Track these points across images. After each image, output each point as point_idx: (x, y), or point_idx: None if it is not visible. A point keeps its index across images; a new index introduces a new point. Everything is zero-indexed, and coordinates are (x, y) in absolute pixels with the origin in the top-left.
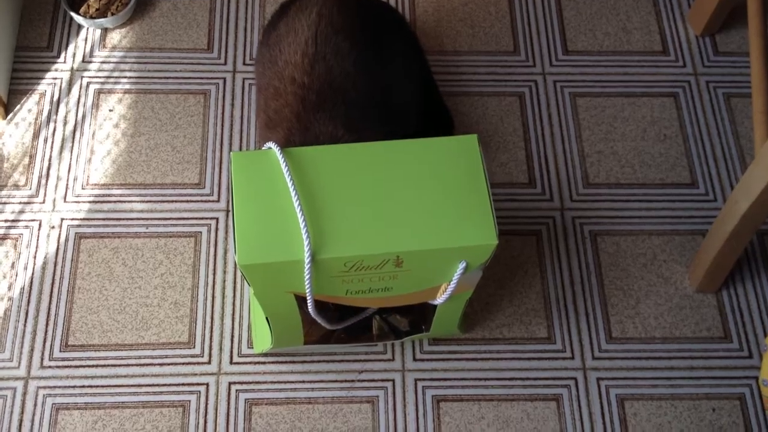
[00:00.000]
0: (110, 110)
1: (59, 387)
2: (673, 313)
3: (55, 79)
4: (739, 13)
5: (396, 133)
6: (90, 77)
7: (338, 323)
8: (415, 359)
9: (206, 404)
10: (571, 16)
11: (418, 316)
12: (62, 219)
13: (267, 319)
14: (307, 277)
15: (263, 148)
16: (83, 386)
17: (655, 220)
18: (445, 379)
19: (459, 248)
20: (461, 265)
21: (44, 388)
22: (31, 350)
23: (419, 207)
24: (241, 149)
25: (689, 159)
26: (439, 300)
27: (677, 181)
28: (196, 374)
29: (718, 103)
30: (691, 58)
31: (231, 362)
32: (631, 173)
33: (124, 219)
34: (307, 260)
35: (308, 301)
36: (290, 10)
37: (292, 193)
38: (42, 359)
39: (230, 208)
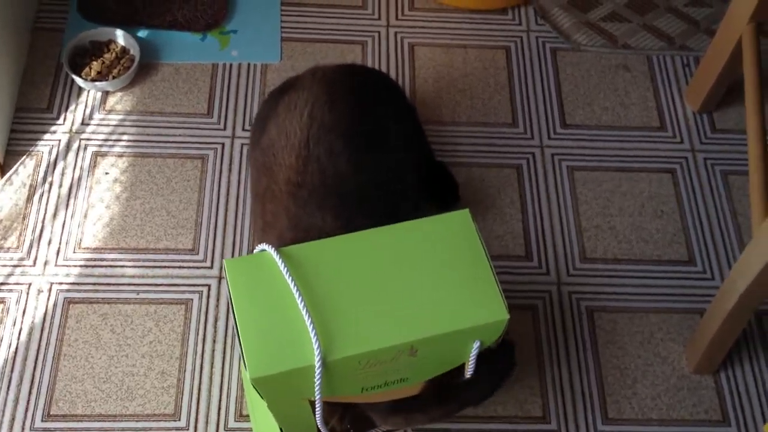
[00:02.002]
0: (106, 173)
1: None
2: (670, 394)
3: (53, 140)
4: (737, 90)
5: (395, 218)
6: (88, 139)
7: None
8: None
9: None
10: (569, 90)
11: None
12: (51, 283)
13: (281, 429)
14: (317, 381)
15: (256, 250)
16: None
17: (653, 297)
18: None
19: (472, 328)
20: (476, 345)
21: None
22: (12, 419)
23: (424, 291)
24: (237, 216)
25: (687, 236)
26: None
27: (675, 258)
28: None
29: (715, 180)
30: (689, 135)
31: None
32: (628, 249)
33: (115, 284)
34: (317, 363)
35: (317, 409)
36: (279, 107)
37: (295, 294)
38: (23, 429)
39: (232, 319)
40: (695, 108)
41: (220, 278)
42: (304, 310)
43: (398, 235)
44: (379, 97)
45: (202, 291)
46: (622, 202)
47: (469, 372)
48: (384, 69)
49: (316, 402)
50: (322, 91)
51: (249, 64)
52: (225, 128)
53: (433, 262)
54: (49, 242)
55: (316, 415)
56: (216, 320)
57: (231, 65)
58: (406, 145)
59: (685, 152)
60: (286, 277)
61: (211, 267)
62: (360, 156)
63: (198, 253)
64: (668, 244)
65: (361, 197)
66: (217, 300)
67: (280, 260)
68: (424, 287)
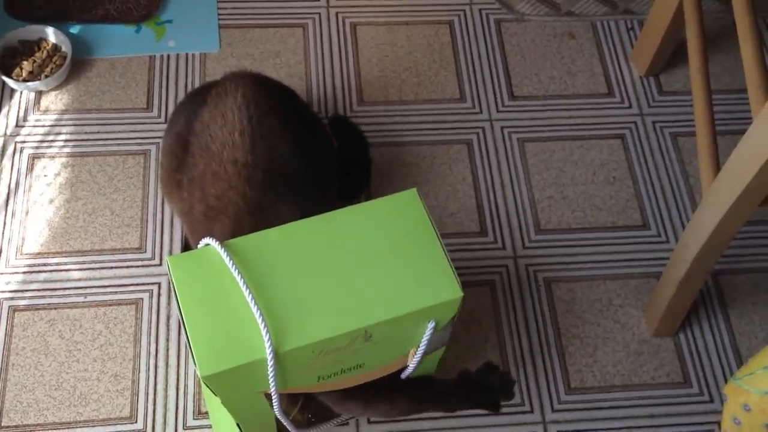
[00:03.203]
0: (44, 175)
1: None
2: (631, 359)
3: None
4: (682, 52)
5: (330, 206)
6: (24, 142)
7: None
8: (369, 422)
9: None
10: (515, 62)
11: None
12: None
13: (238, 425)
14: (271, 374)
15: (200, 244)
16: None
17: (609, 264)
18: None
19: (426, 309)
20: (430, 325)
21: None
22: None
23: (376, 274)
24: None
25: (640, 201)
26: (411, 366)
27: (629, 224)
28: None
29: (665, 142)
30: (637, 99)
31: None
32: (582, 217)
33: (60, 289)
34: (269, 356)
35: (274, 401)
36: (207, 97)
37: (242, 287)
38: None
39: (180, 317)
40: (642, 72)
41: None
42: (253, 302)
43: (345, 220)
44: (295, 96)
45: (152, 289)
46: (574, 171)
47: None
48: (326, 51)
49: (273, 395)
50: (250, 81)
51: (187, 54)
52: (166, 121)
53: (383, 244)
54: None
55: (275, 407)
56: (168, 318)
57: (169, 56)
58: (325, 132)
59: (634, 117)
60: (232, 270)
61: (160, 264)
62: (298, 139)
63: (146, 251)
64: (622, 210)
65: (312, 180)
66: (168, 297)
67: (226, 254)
68: (375, 270)
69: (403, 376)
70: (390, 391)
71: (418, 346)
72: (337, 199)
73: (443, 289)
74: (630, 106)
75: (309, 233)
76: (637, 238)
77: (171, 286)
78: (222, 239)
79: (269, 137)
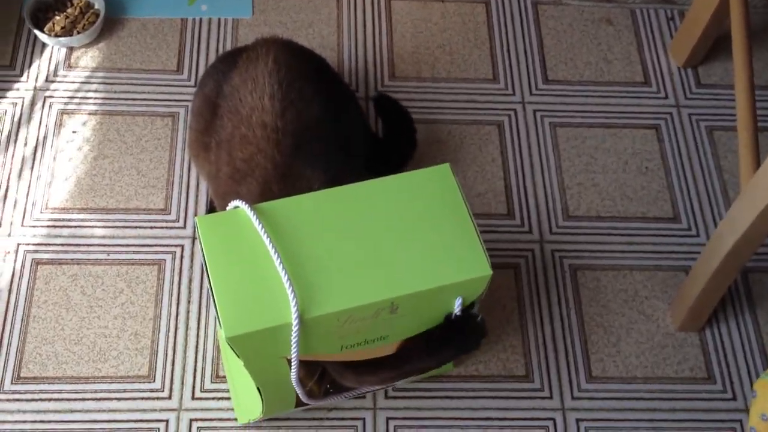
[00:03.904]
0: (73, 132)
1: (8, 422)
2: (654, 352)
3: (17, 98)
4: (722, 44)
5: (359, 177)
6: (53, 97)
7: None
8: (386, 397)
9: None
10: (551, 45)
11: None
12: (18, 244)
13: (258, 388)
14: (294, 339)
15: (229, 207)
16: (35, 421)
17: (637, 255)
18: (418, 419)
19: (454, 284)
20: (458, 302)
21: None
22: None
23: (406, 247)
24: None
25: (671, 192)
26: None
27: (659, 216)
28: (155, 410)
29: (700, 136)
30: (673, 90)
31: (193, 398)
32: (612, 206)
33: (84, 245)
34: (294, 321)
35: (292, 367)
36: (238, 61)
37: (271, 251)
38: None
39: (206, 277)
40: (680, 63)
41: (193, 238)
42: (281, 266)
43: (377, 190)
44: (327, 64)
45: (175, 251)
46: (606, 159)
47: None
48: (360, 23)
49: (292, 361)
50: (282, 46)
51: (219, 20)
52: (196, 85)
53: (414, 216)
54: (15, 203)
55: (292, 374)
56: (190, 281)
57: (201, 20)
58: (356, 103)
59: (669, 108)
60: (261, 233)
61: (184, 227)
62: (329, 107)
63: (170, 213)
64: (652, 201)
65: (341, 147)
66: (191, 260)
67: (255, 217)
68: (405, 243)
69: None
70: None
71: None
72: (367, 171)
73: (473, 265)
74: (666, 97)
75: (340, 201)
76: (667, 230)
77: (199, 246)
78: (249, 202)
79: (299, 103)
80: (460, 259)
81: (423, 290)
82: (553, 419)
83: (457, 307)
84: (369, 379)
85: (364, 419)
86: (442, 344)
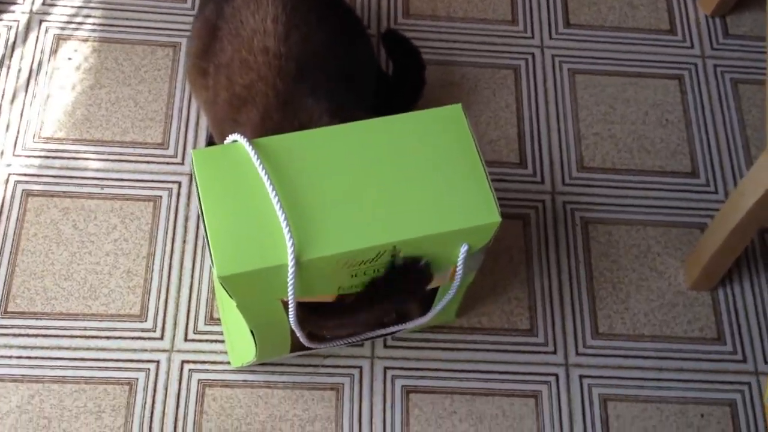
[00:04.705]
0: (69, 58)
1: None
2: (664, 310)
3: (12, 21)
4: None
5: (365, 114)
6: (49, 21)
7: (328, 341)
8: (385, 346)
9: (155, 383)
10: None
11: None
12: (9, 174)
13: (252, 331)
14: (290, 281)
15: (227, 140)
16: (20, 357)
17: (652, 209)
18: (417, 369)
19: (459, 231)
20: (463, 249)
21: None
22: None
23: (411, 189)
24: None
25: (691, 147)
26: (452, 290)
27: (677, 170)
28: (146, 350)
29: (725, 88)
30: (699, 40)
31: (185, 339)
32: (628, 158)
33: (77, 177)
34: (291, 263)
35: (290, 309)
36: None
37: (269, 188)
38: None
39: (200, 213)
40: (708, 11)
41: (191, 176)
42: (278, 205)
43: (384, 129)
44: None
45: (171, 188)
46: (625, 109)
47: (456, 284)
48: None
49: (290, 303)
50: None
51: None
52: None
53: (422, 158)
54: (7, 129)
55: (290, 317)
56: (186, 219)
57: None
58: (365, 34)
59: (694, 58)
60: (259, 169)
61: (182, 163)
62: (336, 35)
63: (168, 148)
64: (671, 155)
65: (347, 81)
66: (188, 198)
67: (254, 152)
68: (411, 185)
69: (434, 308)
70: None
71: (455, 267)
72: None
73: (481, 211)
74: (691, 46)
75: (344, 139)
76: (685, 185)
77: (193, 180)
78: (249, 129)
79: (304, 28)
80: (467, 204)
81: (427, 235)
82: (556, 375)
83: (461, 255)
84: (326, 325)
85: (361, 368)
86: (387, 291)
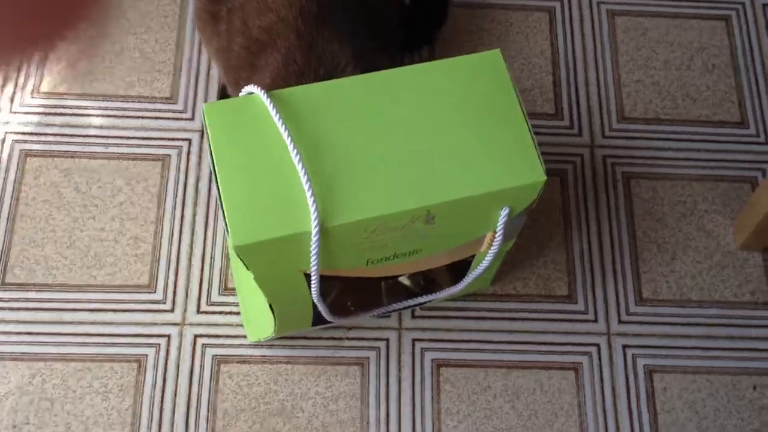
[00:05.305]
0: None
1: None
2: (712, 272)
3: None
4: None
5: (392, 62)
6: None
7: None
8: (413, 316)
9: (166, 359)
10: None
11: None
12: (6, 133)
13: (270, 305)
14: (314, 251)
15: (243, 92)
16: (20, 332)
17: (698, 163)
18: (448, 341)
19: (502, 191)
20: (504, 212)
21: None
22: None
23: (446, 146)
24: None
25: (740, 94)
26: (489, 257)
27: (725, 120)
28: (156, 324)
29: None
30: None
31: (198, 311)
32: (672, 108)
33: (79, 135)
34: (314, 230)
35: (313, 283)
36: None
37: (289, 146)
38: None
39: (213, 176)
40: None
41: (202, 132)
42: (300, 165)
43: (415, 79)
44: None
45: (181, 146)
46: (668, 54)
47: (493, 249)
48: None
49: (312, 276)
50: None
51: None
52: None
53: (458, 111)
54: (3, 84)
55: (313, 291)
56: (197, 180)
57: None
58: None
59: None
60: (279, 125)
61: (192, 119)
62: None
63: (177, 102)
64: (718, 104)
65: (373, 24)
66: (199, 157)
67: (272, 106)
68: (446, 141)
69: (467, 278)
70: None
71: (494, 233)
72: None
73: (524, 170)
74: None
75: (373, 90)
76: (733, 136)
77: (205, 137)
78: (269, 73)
79: None
80: (509, 162)
81: (465, 197)
82: (598, 345)
83: (502, 219)
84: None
85: (387, 340)
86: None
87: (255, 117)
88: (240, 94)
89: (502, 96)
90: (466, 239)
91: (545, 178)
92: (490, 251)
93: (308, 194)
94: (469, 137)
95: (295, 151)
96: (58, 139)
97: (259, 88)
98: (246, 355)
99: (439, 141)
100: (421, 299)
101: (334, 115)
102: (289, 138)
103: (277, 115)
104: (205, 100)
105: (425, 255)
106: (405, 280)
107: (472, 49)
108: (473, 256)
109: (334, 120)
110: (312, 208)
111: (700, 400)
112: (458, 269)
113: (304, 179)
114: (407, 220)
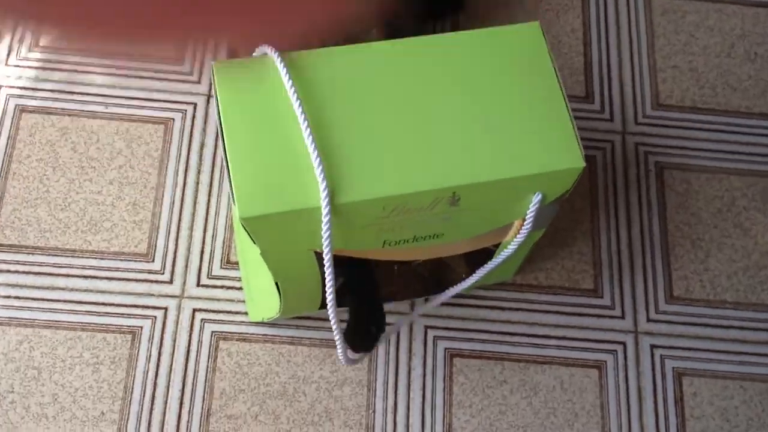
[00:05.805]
0: None
1: None
2: (750, 273)
3: None
4: None
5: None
6: None
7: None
8: (426, 302)
9: (162, 333)
10: None
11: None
12: (1, 86)
13: (277, 284)
14: (325, 229)
15: (256, 52)
16: (8, 296)
17: (737, 156)
18: (463, 330)
19: (536, 176)
20: (536, 198)
21: None
22: None
23: (477, 123)
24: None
25: None
26: (513, 245)
27: (767, 111)
28: (152, 295)
29: None
30: None
31: (198, 284)
32: (711, 96)
33: (78, 93)
34: (324, 206)
35: (325, 263)
36: None
37: (299, 116)
38: None
39: (220, 141)
40: None
41: (209, 96)
42: (309, 136)
43: (445, 48)
44: None
45: (186, 110)
46: (708, 40)
47: (519, 237)
48: None
49: (324, 255)
50: None
51: None
52: None
53: (490, 86)
54: None
55: (326, 273)
56: (202, 146)
57: None
58: None
59: None
60: (290, 91)
61: (199, 81)
62: None
63: (183, 63)
64: (760, 94)
65: None
66: (204, 122)
67: (285, 70)
68: (477, 118)
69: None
70: None
71: (522, 221)
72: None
73: (561, 154)
74: None
75: (398, 58)
76: None
77: (213, 100)
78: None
79: None
80: (545, 144)
81: (495, 180)
82: (623, 343)
83: (533, 206)
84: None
85: (398, 326)
86: None
87: (268, 80)
88: (254, 54)
89: (540, 72)
90: (492, 226)
91: (584, 164)
92: (515, 240)
93: (317, 168)
94: (502, 115)
95: (305, 121)
96: (56, 96)
97: (273, 49)
98: (247, 333)
99: (467, 117)
100: (435, 293)
101: (355, 83)
102: (300, 107)
103: (290, 80)
104: (214, 60)
105: (447, 241)
106: (419, 268)
107: (498, 23)
108: (497, 246)
109: (354, 87)
110: (321, 183)
111: (732, 408)
112: (477, 259)
113: (313, 152)
114: (429, 201)
